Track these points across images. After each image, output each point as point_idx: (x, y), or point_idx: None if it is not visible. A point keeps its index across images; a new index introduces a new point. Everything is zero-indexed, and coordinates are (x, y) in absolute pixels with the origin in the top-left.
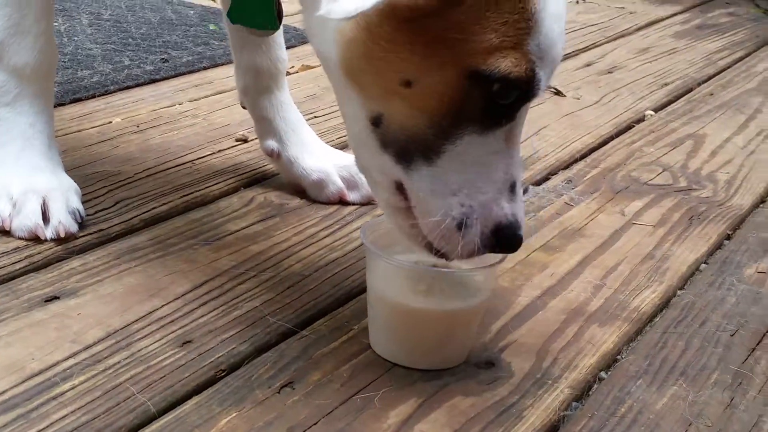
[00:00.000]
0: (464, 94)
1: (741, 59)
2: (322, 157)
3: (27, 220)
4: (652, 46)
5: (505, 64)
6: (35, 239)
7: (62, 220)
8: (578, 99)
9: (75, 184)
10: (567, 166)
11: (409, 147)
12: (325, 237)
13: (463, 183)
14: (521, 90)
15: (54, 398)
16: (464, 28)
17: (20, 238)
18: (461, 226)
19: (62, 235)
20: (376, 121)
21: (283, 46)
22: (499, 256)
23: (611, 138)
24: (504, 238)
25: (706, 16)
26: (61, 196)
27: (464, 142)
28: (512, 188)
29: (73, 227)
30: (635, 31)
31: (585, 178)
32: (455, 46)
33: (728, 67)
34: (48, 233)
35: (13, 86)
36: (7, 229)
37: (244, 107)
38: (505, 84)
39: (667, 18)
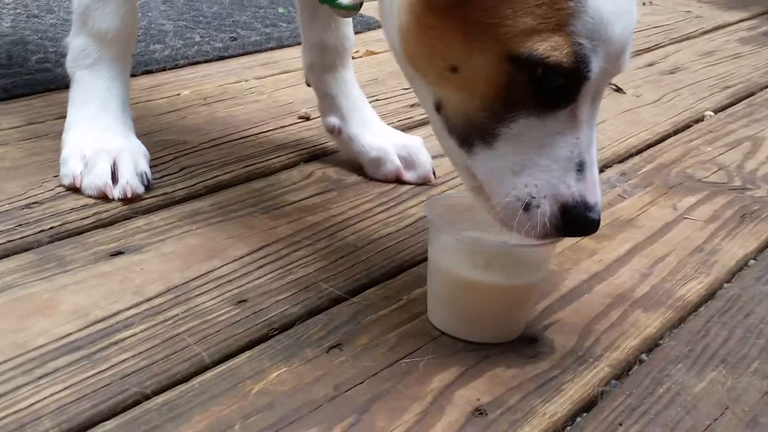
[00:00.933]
0: (509, 78)
1: None
2: (381, 135)
3: (97, 179)
4: (717, 50)
5: (544, 47)
6: (103, 198)
7: (130, 181)
8: (638, 97)
9: (144, 148)
10: (622, 160)
11: (467, 131)
12: (379, 212)
13: (525, 164)
14: (566, 74)
15: (115, 343)
16: (497, 12)
17: (89, 196)
18: (528, 207)
19: (129, 195)
20: (438, 107)
21: (351, 24)
22: None
23: (668, 136)
24: (572, 219)
25: None
26: (131, 158)
27: (520, 125)
28: (580, 168)
29: (140, 189)
30: (700, 34)
31: (639, 172)
32: (492, 31)
33: None
34: (116, 193)
35: (94, 50)
36: (78, 186)
37: (308, 85)
38: (546, 68)
39: (734, 23)
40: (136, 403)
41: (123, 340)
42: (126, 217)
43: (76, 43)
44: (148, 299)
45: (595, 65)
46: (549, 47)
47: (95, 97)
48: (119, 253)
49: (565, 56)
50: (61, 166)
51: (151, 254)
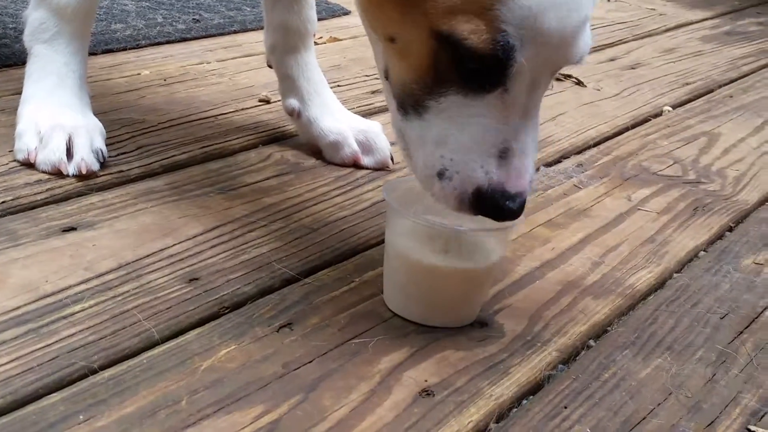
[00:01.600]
0: (435, 54)
1: (765, 66)
2: (340, 119)
3: (51, 154)
4: (678, 47)
5: (463, 28)
6: (58, 174)
7: (85, 158)
8: (599, 90)
9: (101, 125)
10: (580, 151)
11: (404, 99)
12: (336, 196)
13: (446, 138)
14: (482, 59)
15: (64, 318)
16: None
17: (44, 172)
18: (441, 176)
19: (83, 171)
20: (386, 73)
21: (314, 7)
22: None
23: (627, 129)
24: (486, 204)
25: (735, 24)
26: (86, 134)
27: (449, 101)
28: (503, 155)
29: (95, 165)
30: (663, 32)
31: (596, 164)
32: (422, 5)
33: (751, 73)
34: (70, 169)
35: (52, 24)
36: (32, 161)
37: (270, 66)
38: (463, 50)
39: (697, 22)
40: (82, 376)
41: (72, 314)
42: (80, 194)
43: (34, 17)
44: (99, 275)
45: (522, 54)
46: (469, 29)
47: (52, 72)
48: (71, 229)
49: (483, 42)
50: (15, 140)
51: (104, 231)
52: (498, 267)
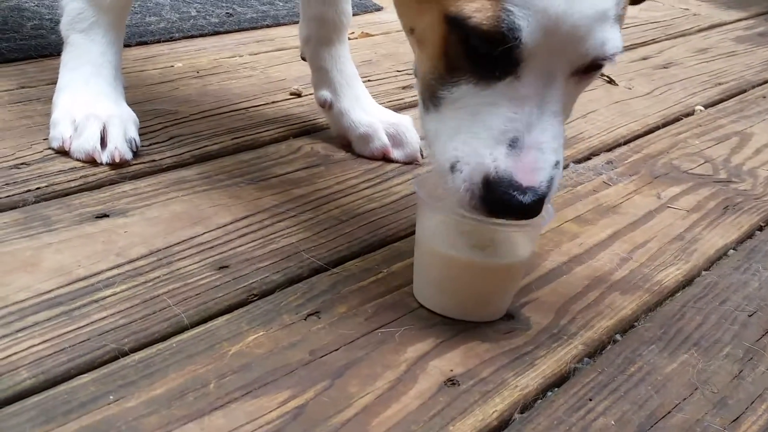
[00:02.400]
0: (446, 39)
1: None
2: (372, 113)
3: (86, 143)
4: (712, 47)
5: (470, 8)
6: (91, 162)
7: (118, 147)
8: (630, 89)
9: (134, 115)
10: (610, 149)
11: (424, 92)
12: (365, 188)
13: (459, 129)
14: (487, 39)
15: (95, 301)
16: None
17: (77, 160)
18: (453, 170)
19: (117, 160)
20: (415, 71)
21: (350, 1)
22: (546, 218)
23: (658, 128)
24: (494, 194)
25: None
26: (120, 124)
27: (461, 90)
28: (513, 144)
29: (128, 155)
30: (696, 32)
31: (626, 161)
32: None
33: None
34: (104, 157)
35: (90, 15)
36: (67, 149)
37: (303, 59)
38: (469, 30)
39: (731, 23)
40: (113, 358)
41: (103, 298)
42: (113, 182)
43: (72, 6)
44: (131, 261)
45: (529, 37)
46: (474, 8)
47: (88, 62)
48: (104, 215)
49: (487, 19)
50: (50, 128)
51: (136, 218)
52: (529, 263)
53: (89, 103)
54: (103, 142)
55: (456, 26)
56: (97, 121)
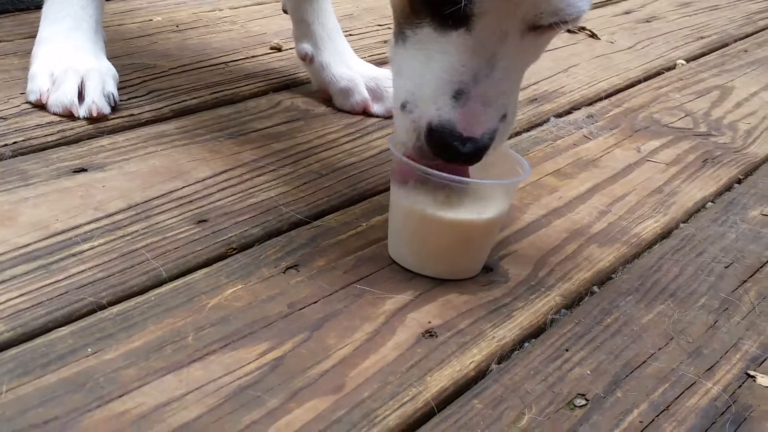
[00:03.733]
0: None
1: None
2: (353, 66)
3: (63, 96)
4: (694, 1)
5: None
6: (69, 116)
7: (96, 101)
8: (612, 43)
9: (114, 70)
10: (591, 103)
11: (395, 26)
12: (345, 143)
13: (414, 71)
14: None
15: (73, 255)
16: None
17: (55, 113)
18: (403, 108)
19: (94, 114)
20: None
21: None
22: (521, 174)
23: (639, 82)
24: (434, 138)
25: None
26: (99, 78)
27: (423, 33)
28: (457, 96)
29: (106, 109)
30: None
31: (606, 115)
32: None
33: (767, 28)
34: (81, 111)
35: None
36: (44, 103)
37: (285, 11)
38: None
39: None
40: (91, 312)
41: (81, 252)
42: (91, 136)
43: None
44: (109, 215)
45: (485, 4)
46: None
47: (69, 15)
48: (82, 170)
49: None
50: (28, 81)
51: (114, 172)
52: (501, 220)
53: (68, 57)
54: (81, 96)
55: None
56: (75, 74)
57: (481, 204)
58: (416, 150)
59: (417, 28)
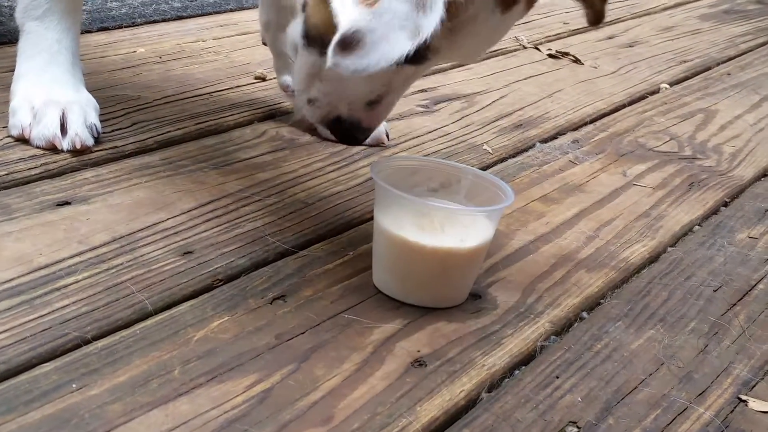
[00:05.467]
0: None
1: (763, 44)
2: None
3: (46, 129)
4: (677, 25)
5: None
6: (52, 149)
7: (79, 133)
8: (596, 68)
9: (94, 101)
10: (576, 128)
11: (309, 30)
12: (331, 171)
13: (333, 79)
14: None
15: (57, 289)
16: None
17: (38, 147)
18: (310, 103)
19: (78, 146)
20: (303, 6)
21: None
22: (504, 201)
23: (623, 106)
24: (340, 131)
25: (734, 2)
26: (80, 110)
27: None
28: (371, 103)
29: (89, 141)
30: (662, 10)
31: (592, 140)
32: None
33: (749, 51)
34: (65, 144)
35: (44, 1)
36: (27, 137)
37: (264, 44)
38: None
39: (696, 1)
40: (75, 346)
41: (65, 286)
42: (74, 169)
43: None
44: (93, 248)
45: (425, 60)
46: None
47: (45, 49)
48: (66, 203)
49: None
50: (9, 116)
51: (98, 205)
52: (485, 248)
53: (48, 91)
54: (63, 129)
55: None
56: (56, 107)
57: (465, 231)
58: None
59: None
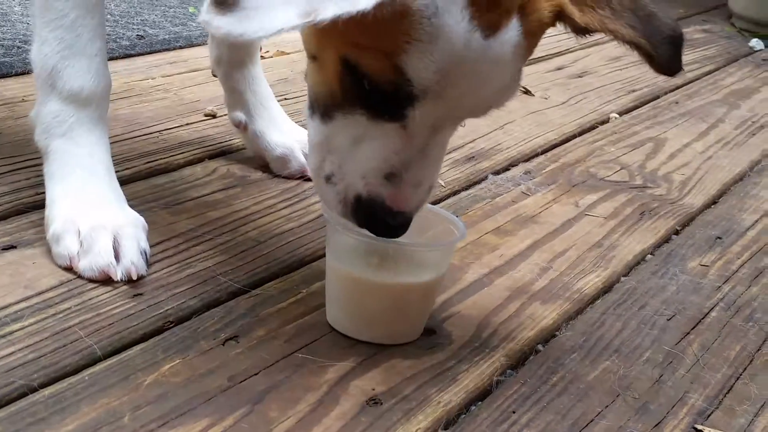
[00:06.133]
0: (342, 77)
1: (710, 72)
2: (287, 133)
3: (99, 258)
4: (624, 55)
5: (369, 64)
6: (105, 279)
7: (134, 261)
8: (546, 99)
9: (143, 220)
10: (528, 159)
11: (315, 103)
12: (283, 208)
13: (342, 148)
14: (386, 95)
15: (2, 336)
16: (348, 25)
17: (89, 278)
18: (328, 180)
19: (134, 277)
20: (305, 77)
21: None
22: (456, 235)
23: (574, 136)
24: (363, 209)
25: None
26: (134, 234)
27: (354, 117)
28: (389, 177)
29: (143, 269)
30: (610, 40)
31: (544, 171)
32: (339, 37)
33: (696, 79)
34: (118, 274)
35: (68, 114)
36: (75, 267)
37: (215, 75)
38: (368, 80)
39: None
40: (21, 395)
41: (11, 333)
42: (19, 212)
43: (45, 111)
44: (40, 293)
45: (423, 106)
46: (374, 67)
47: (77, 167)
48: (11, 247)
49: (385, 81)
50: (52, 244)
51: (45, 249)
52: (438, 283)
53: (92, 213)
54: (117, 256)
55: (353, 71)
56: (106, 232)
57: (417, 267)
58: (338, 210)
59: (347, 114)
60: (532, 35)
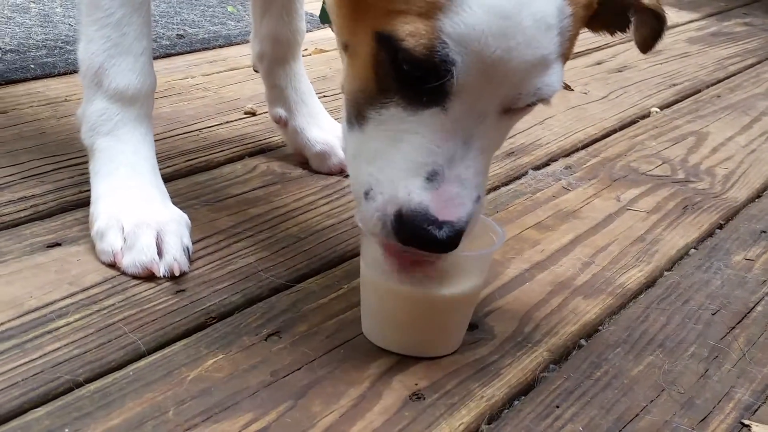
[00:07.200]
0: (376, 57)
1: (752, 66)
2: (327, 129)
3: (142, 255)
4: (665, 49)
5: (403, 30)
6: (149, 276)
7: (177, 258)
8: (586, 94)
9: (186, 217)
10: (568, 154)
11: (351, 110)
12: (323, 205)
13: (378, 154)
14: (420, 66)
15: (49, 332)
16: None
17: (132, 276)
18: (367, 196)
19: (176, 273)
20: (342, 87)
21: (304, 18)
22: (494, 243)
23: (614, 131)
24: (406, 226)
25: (722, 25)
26: (177, 231)
27: (389, 113)
28: (431, 177)
29: (186, 266)
30: None
31: (584, 166)
32: (370, 10)
33: (738, 73)
34: (161, 270)
35: (114, 112)
36: (118, 263)
37: (256, 71)
38: (402, 53)
39: (683, 24)
40: (67, 390)
41: (57, 329)
42: (64, 210)
43: (91, 110)
44: (84, 289)
45: (462, 74)
46: (408, 31)
47: (122, 164)
48: (56, 244)
49: (420, 46)
50: (96, 240)
51: (89, 246)
52: (475, 295)
53: (136, 209)
54: (160, 252)
55: (387, 46)
56: (149, 229)
57: (453, 277)
58: (381, 240)
59: (382, 108)
60: (575, 3)
